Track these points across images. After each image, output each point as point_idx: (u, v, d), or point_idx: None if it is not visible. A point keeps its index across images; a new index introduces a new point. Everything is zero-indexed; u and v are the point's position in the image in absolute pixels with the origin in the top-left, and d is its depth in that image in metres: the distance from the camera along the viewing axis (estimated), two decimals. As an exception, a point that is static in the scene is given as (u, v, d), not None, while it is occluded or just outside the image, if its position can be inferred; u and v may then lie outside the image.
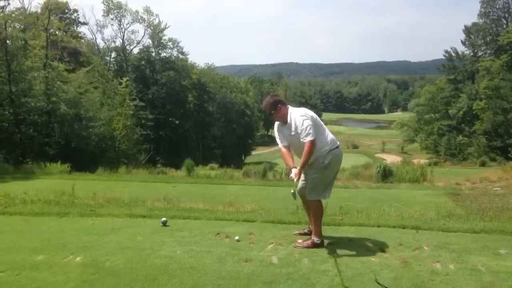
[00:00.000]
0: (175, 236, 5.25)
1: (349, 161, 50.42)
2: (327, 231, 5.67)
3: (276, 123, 5.02)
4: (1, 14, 24.91)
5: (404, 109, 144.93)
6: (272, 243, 4.98)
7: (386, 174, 18.50)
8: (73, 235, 5.39)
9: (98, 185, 13.12)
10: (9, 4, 26.88)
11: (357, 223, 6.29)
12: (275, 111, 4.88)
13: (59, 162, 18.77)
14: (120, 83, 29.01)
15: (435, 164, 36.92)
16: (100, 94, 30.77)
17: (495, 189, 16.14)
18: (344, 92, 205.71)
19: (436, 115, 63.50)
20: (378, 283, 3.74)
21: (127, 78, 30.37)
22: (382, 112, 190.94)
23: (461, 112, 56.51)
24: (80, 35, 51.69)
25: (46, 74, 25.65)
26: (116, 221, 6.31)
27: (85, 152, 24.59)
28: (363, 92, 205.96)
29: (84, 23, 52.78)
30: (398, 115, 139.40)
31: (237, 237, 5.11)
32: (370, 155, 66.71)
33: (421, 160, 34.75)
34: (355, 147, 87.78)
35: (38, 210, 7.06)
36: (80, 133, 25.41)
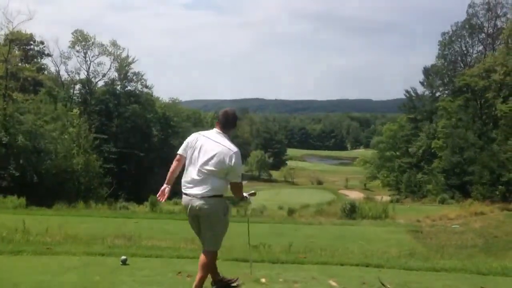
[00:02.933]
0: (135, 275, 5.07)
1: (313, 197, 50.78)
2: (290, 269, 5.62)
3: (208, 134, 4.25)
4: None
5: (367, 146, 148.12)
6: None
7: (351, 211, 18.71)
8: (26, 275, 5.13)
9: (55, 221, 12.63)
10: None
11: (321, 261, 6.26)
12: (234, 127, 4.40)
13: (14, 196, 18.08)
14: (72, 115, 28.51)
15: (397, 201, 37.58)
16: (59, 126, 30.09)
17: (453, 226, 16.52)
18: (308, 129, 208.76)
19: (397, 152, 65.13)
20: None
21: (76, 109, 29.81)
22: (345, 148, 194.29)
23: (420, 151, 58.19)
24: (43, 67, 51.02)
25: (5, 106, 24.97)
26: (72, 260, 6.06)
27: (42, 186, 23.77)
28: (327, 129, 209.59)
29: (49, 55, 52.11)
30: (360, 152, 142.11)
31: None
32: (334, 191, 67.33)
33: (383, 196, 35.32)
34: (319, 183, 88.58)
35: (-10, 248, 6.72)
36: (37, 166, 24.61)
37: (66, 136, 28.15)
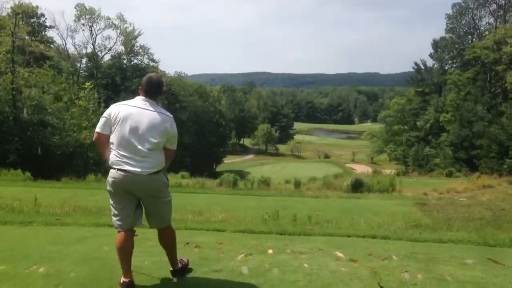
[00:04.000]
0: (143, 246, 5.13)
1: (320, 171, 50.87)
2: (297, 240, 5.66)
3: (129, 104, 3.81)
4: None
5: (374, 120, 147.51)
6: (242, 253, 4.92)
7: (357, 186, 18.76)
8: (37, 245, 5.21)
9: (65, 193, 12.80)
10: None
11: (327, 233, 6.30)
12: (160, 94, 3.99)
13: (22, 169, 18.26)
14: (84, 88, 28.46)
15: (404, 174, 37.57)
16: (68, 99, 30.18)
17: (461, 199, 16.52)
18: (316, 103, 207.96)
19: (405, 126, 64.84)
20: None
21: (90, 82, 29.69)
22: (353, 122, 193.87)
23: (428, 124, 57.90)
24: (49, 40, 50.83)
25: (12, 80, 25.00)
26: (82, 231, 6.14)
27: (50, 159, 23.96)
28: (334, 102, 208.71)
29: (52, 27, 51.83)
30: (368, 125, 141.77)
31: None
32: (340, 165, 67.43)
33: (391, 170, 35.32)
34: (327, 156, 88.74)
35: (1, 219, 6.81)
36: (45, 140, 24.78)
37: (74, 110, 28.19)
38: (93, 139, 3.84)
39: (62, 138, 25.67)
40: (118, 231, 3.85)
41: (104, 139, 3.76)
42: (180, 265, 4.17)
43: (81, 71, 56.55)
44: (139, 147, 3.63)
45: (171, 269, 4.13)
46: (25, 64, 28.27)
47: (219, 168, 68.99)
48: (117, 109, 3.76)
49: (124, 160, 3.62)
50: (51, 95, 28.34)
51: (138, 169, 3.62)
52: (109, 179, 3.70)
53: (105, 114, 3.78)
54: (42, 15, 49.98)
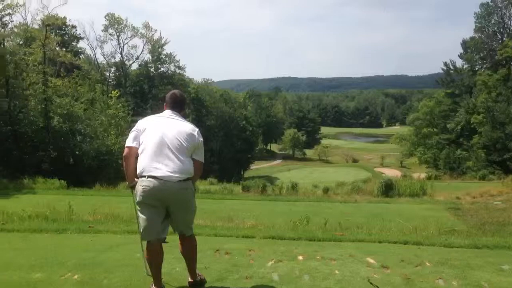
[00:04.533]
0: (174, 253, 5.16)
1: (349, 175, 50.43)
2: (328, 247, 5.61)
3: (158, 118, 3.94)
4: (1, 31, 24.99)
5: (402, 123, 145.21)
6: (272, 259, 4.91)
7: (387, 188, 18.48)
8: (71, 252, 5.32)
9: (97, 201, 13.03)
10: (12, 21, 27.02)
11: (358, 238, 6.24)
12: (184, 109, 4.11)
13: (56, 178, 18.71)
14: (111, 97, 29.01)
15: (435, 178, 36.86)
16: (97, 108, 30.82)
17: (495, 203, 16.10)
18: (342, 106, 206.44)
19: (435, 129, 63.65)
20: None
21: (117, 91, 30.21)
22: (380, 126, 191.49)
23: (459, 126, 56.68)
24: (79, 50, 52.06)
25: (43, 90, 25.68)
26: (114, 238, 6.24)
27: (82, 168, 24.48)
28: (361, 106, 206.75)
29: (81, 38, 53.08)
30: (396, 129, 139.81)
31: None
32: (369, 169, 66.66)
33: (420, 174, 34.71)
34: (355, 161, 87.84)
35: (36, 227, 6.99)
36: (76, 148, 25.34)
37: (103, 118, 28.76)
38: (124, 153, 3.85)
39: (92, 145, 26.21)
40: (147, 242, 3.87)
41: (134, 153, 3.81)
42: (199, 278, 4.13)
43: (109, 80, 57.68)
44: (169, 153, 3.69)
45: (190, 280, 4.08)
46: (56, 75, 28.98)
47: (247, 174, 69.12)
48: (145, 121, 3.90)
49: (154, 166, 3.65)
50: (81, 104, 29.00)
51: (168, 175, 3.63)
52: (139, 187, 3.68)
53: (134, 128, 3.89)
54: (74, 26, 51.27)
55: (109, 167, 27.10)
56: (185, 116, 4.01)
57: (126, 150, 3.83)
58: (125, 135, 29.79)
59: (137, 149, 3.79)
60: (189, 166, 3.77)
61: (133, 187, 3.81)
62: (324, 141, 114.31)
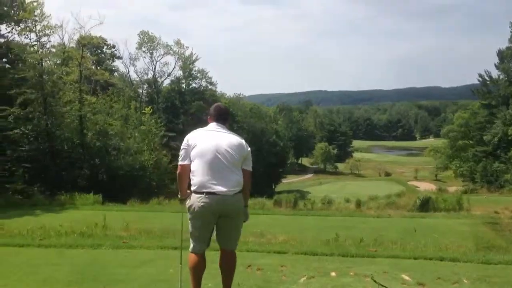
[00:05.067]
0: (208, 268, 5.18)
1: (382, 189, 49.57)
2: (361, 263, 5.53)
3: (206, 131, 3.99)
4: (40, 52, 25.92)
5: (436, 135, 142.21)
6: (305, 275, 4.87)
7: (423, 203, 18.10)
8: (106, 268, 5.41)
9: (130, 216, 13.23)
10: (50, 41, 27.98)
11: (392, 254, 6.12)
12: (228, 121, 4.16)
13: (91, 193, 19.11)
14: (144, 113, 29.53)
15: (472, 192, 35.87)
16: (131, 124, 31.51)
17: (536, 217, 15.52)
18: (374, 119, 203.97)
19: (470, 141, 62.06)
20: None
21: (150, 107, 30.79)
22: (414, 138, 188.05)
23: (496, 138, 55.09)
24: (113, 68, 53.44)
25: (79, 107, 26.43)
26: (148, 253, 6.32)
27: (116, 183, 24.95)
28: (393, 118, 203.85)
29: (116, 56, 54.47)
30: (430, 141, 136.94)
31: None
32: (403, 183, 65.42)
33: (456, 187, 33.86)
34: (387, 174, 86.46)
35: (72, 242, 7.15)
36: (110, 164, 25.88)
37: (137, 134, 29.33)
38: (178, 171, 3.92)
39: (126, 161, 26.72)
40: (192, 253, 3.92)
41: (187, 170, 3.87)
42: None
43: (142, 97, 58.81)
44: (223, 167, 3.74)
45: None
46: (91, 92, 29.79)
47: (278, 188, 68.91)
48: (193, 136, 3.92)
49: (211, 182, 3.70)
50: (116, 121, 29.69)
51: (225, 189, 3.70)
52: (197, 203, 3.72)
53: (184, 145, 3.93)
54: (108, 44, 52.67)
55: (142, 183, 27.55)
56: (229, 128, 4.06)
57: (179, 168, 3.91)
58: (157, 150, 30.37)
59: (189, 165, 3.85)
60: (240, 178, 3.84)
61: (184, 200, 3.91)
62: (356, 155, 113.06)
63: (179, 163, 3.90)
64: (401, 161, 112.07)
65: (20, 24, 25.91)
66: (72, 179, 24.41)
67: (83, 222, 9.94)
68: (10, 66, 26.02)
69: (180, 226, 4.30)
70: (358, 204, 20.21)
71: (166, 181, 29.02)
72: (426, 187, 49.71)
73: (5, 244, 7.04)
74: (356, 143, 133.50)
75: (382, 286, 3.57)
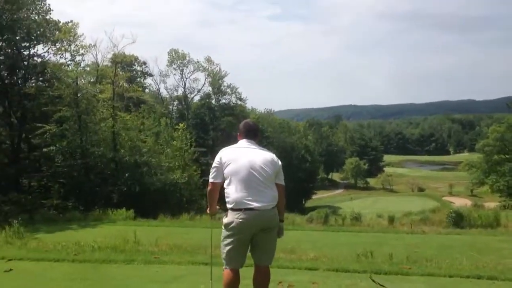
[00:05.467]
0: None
1: (415, 204, 48.60)
2: (395, 281, 5.41)
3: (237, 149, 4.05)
4: (74, 70, 26.72)
5: (471, 149, 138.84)
6: (337, 293, 4.79)
7: (458, 219, 17.59)
8: (138, 283, 5.46)
9: (161, 231, 13.35)
10: (84, 60, 28.90)
11: (427, 272, 5.96)
12: (258, 137, 4.18)
13: (123, 209, 19.36)
14: (177, 129, 29.97)
15: (510, 207, 34.74)
16: (162, 140, 31.97)
17: None
18: (406, 134, 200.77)
19: (507, 155, 60.31)
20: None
21: (183, 123, 31.28)
22: (447, 153, 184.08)
23: (534, 152, 53.41)
24: (145, 85, 54.60)
25: (113, 124, 27.03)
26: (179, 269, 6.35)
27: (147, 199, 25.26)
28: (426, 133, 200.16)
29: (148, 74, 55.65)
30: (465, 156, 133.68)
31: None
32: (437, 198, 64.04)
33: (493, 203, 32.87)
34: (421, 189, 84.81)
35: (105, 257, 7.24)
36: (142, 180, 26.26)
37: (168, 150, 29.73)
38: (208, 188, 3.98)
39: (157, 177, 27.06)
40: (228, 269, 3.91)
41: (218, 188, 3.94)
42: None
43: (173, 113, 59.76)
44: (259, 183, 3.78)
45: None
46: (124, 109, 30.44)
47: (309, 204, 68.44)
48: (226, 154, 3.97)
49: (248, 199, 3.74)
50: (147, 137, 30.21)
51: (263, 204, 3.75)
52: (236, 220, 3.75)
53: (215, 162, 3.96)
54: (144, 63, 53.94)
55: (173, 198, 27.81)
56: (260, 144, 4.11)
57: (210, 185, 3.96)
58: (188, 166, 30.65)
59: (221, 183, 3.91)
60: (275, 193, 3.89)
61: (214, 215, 4.09)
62: (388, 169, 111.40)
63: (210, 180, 3.95)
64: (434, 176, 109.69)
65: (56, 44, 26.82)
66: (105, 194, 24.86)
67: (115, 237, 10.07)
68: (46, 85, 26.88)
69: (210, 242, 4.33)
70: (391, 220, 19.80)
71: (196, 197, 29.21)
72: (461, 202, 48.41)
73: (41, 259, 7.19)
74: (387, 157, 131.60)
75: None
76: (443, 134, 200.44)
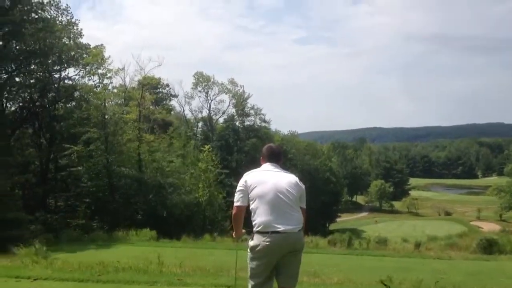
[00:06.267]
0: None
1: (442, 229, 47.49)
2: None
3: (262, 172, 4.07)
4: (102, 93, 27.36)
5: (500, 173, 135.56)
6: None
7: (487, 247, 17.05)
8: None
9: (184, 253, 13.36)
10: (111, 82, 29.62)
11: (455, 299, 5.79)
12: (281, 161, 4.23)
13: (147, 229, 19.48)
14: (202, 151, 30.26)
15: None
16: (189, 162, 32.28)
17: None
18: (432, 157, 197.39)
19: (537, 179, 58.73)
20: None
21: (209, 145, 31.61)
22: (475, 177, 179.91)
23: None
24: (170, 107, 55.41)
25: (138, 146, 27.43)
26: (201, 291, 6.33)
27: (171, 219, 25.39)
28: (453, 156, 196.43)
29: (175, 96, 56.50)
30: (493, 179, 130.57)
31: None
32: (464, 223, 62.42)
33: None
34: (447, 214, 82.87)
35: (129, 278, 7.28)
36: (166, 201, 26.45)
37: (193, 171, 29.98)
38: (234, 212, 3.99)
39: (182, 198, 27.20)
40: None
41: (243, 212, 3.96)
42: None
43: (198, 135, 60.32)
44: (285, 206, 3.79)
45: None
46: (149, 131, 30.92)
47: (333, 227, 67.56)
48: (251, 177, 3.98)
49: (275, 222, 3.74)
50: (174, 158, 30.56)
51: (290, 227, 3.74)
52: (263, 243, 3.74)
53: (240, 186, 3.98)
54: (167, 85, 54.88)
55: (196, 219, 27.87)
56: (283, 166, 4.13)
57: (235, 209, 3.97)
58: (211, 187, 30.78)
59: (245, 207, 3.92)
60: (301, 216, 3.89)
61: (238, 239, 4.09)
62: (413, 193, 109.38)
63: (235, 204, 3.96)
64: (462, 200, 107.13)
65: (87, 68, 27.54)
66: (129, 214, 25.11)
67: (139, 258, 10.13)
68: (75, 106, 27.56)
69: (234, 264, 4.33)
70: (417, 244, 19.35)
71: (220, 218, 29.21)
72: (490, 227, 47.14)
73: (66, 279, 7.28)
74: (413, 181, 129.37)
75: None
76: (471, 158, 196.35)
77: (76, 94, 28.16)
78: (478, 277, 9.95)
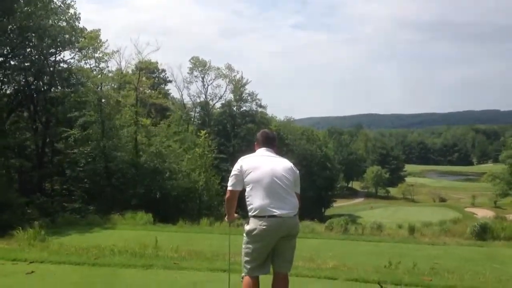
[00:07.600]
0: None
1: (436, 215, 47.83)
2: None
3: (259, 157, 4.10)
4: (98, 76, 27.17)
5: (495, 160, 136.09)
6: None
7: (482, 231, 17.15)
8: (157, 288, 5.48)
9: (180, 237, 13.40)
10: (108, 66, 29.38)
11: (449, 285, 5.87)
12: (275, 147, 4.26)
13: (143, 212, 19.47)
14: (199, 136, 30.26)
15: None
16: (186, 146, 32.26)
17: None
18: (428, 143, 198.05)
19: (531, 166, 59.05)
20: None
21: (206, 130, 31.59)
22: (471, 163, 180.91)
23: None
24: (167, 92, 55.18)
25: (135, 130, 27.35)
26: (198, 275, 6.37)
27: (167, 203, 25.43)
28: (449, 142, 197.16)
29: (170, 81, 56.22)
30: (488, 166, 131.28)
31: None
32: (459, 209, 62.93)
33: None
34: (442, 200, 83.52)
35: (125, 262, 7.30)
36: (162, 185, 26.45)
37: (190, 156, 29.97)
38: (227, 196, 4.03)
39: (178, 182, 27.23)
40: (248, 276, 3.90)
41: (236, 196, 4.00)
42: None
43: (195, 120, 60.20)
44: (281, 191, 3.82)
45: None
46: (146, 115, 30.79)
47: (328, 212, 67.94)
48: (246, 162, 4.01)
49: (272, 206, 3.76)
50: (172, 142, 30.54)
51: (286, 212, 3.77)
52: (259, 227, 3.76)
53: (235, 170, 4.00)
54: (163, 70, 54.54)
55: (192, 203, 27.93)
56: (279, 151, 4.17)
57: (229, 193, 4.00)
58: (207, 172, 30.81)
59: (239, 191, 3.95)
60: (297, 201, 3.94)
61: (231, 223, 4.19)
62: (409, 179, 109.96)
63: (229, 188, 3.98)
64: (457, 187, 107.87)
65: (82, 51, 27.25)
66: (126, 198, 25.12)
67: (135, 242, 10.16)
68: (71, 90, 27.36)
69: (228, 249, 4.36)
70: (412, 230, 19.46)
71: (216, 203, 29.29)
72: (484, 214, 47.46)
73: (62, 262, 7.30)
74: (409, 167, 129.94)
75: None
76: (467, 144, 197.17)
77: (73, 77, 27.91)
78: (472, 263, 10.04)
